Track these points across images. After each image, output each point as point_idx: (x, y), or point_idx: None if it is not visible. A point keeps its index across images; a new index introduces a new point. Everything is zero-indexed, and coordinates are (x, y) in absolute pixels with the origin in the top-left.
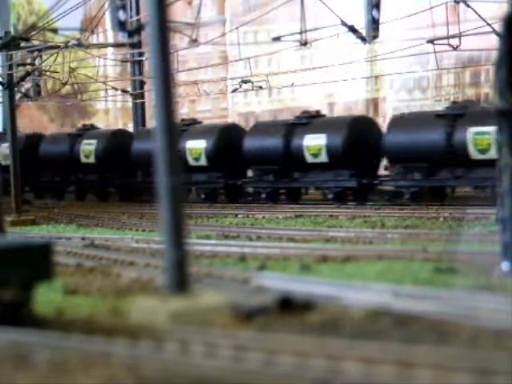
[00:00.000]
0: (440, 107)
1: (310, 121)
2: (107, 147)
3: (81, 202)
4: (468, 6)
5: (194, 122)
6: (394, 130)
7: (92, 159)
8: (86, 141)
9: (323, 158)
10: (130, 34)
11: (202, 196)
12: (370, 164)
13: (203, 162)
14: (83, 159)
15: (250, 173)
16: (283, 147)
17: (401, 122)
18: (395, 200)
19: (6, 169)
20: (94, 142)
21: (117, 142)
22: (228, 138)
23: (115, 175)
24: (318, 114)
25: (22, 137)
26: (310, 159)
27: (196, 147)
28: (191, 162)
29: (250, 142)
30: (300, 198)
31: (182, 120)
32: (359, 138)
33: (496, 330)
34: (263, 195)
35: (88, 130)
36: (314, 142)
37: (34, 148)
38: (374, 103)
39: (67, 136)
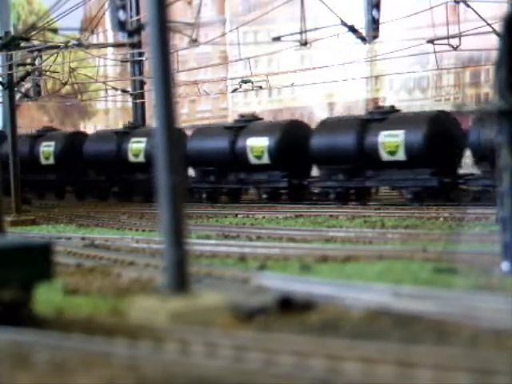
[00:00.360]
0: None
1: (385, 116)
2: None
3: (127, 203)
4: (468, 6)
5: (255, 118)
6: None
7: (141, 158)
8: (134, 139)
9: (401, 155)
10: (130, 34)
11: (264, 196)
12: (452, 162)
13: (266, 160)
14: (131, 158)
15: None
16: (356, 144)
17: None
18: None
19: (47, 169)
20: (143, 140)
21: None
22: (293, 134)
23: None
24: (393, 109)
25: (65, 135)
26: (385, 157)
27: (258, 145)
28: (252, 160)
29: (317, 139)
30: (369, 198)
31: (241, 116)
32: (441, 135)
33: (496, 330)
34: (332, 195)
35: (137, 128)
36: (390, 139)
37: (76, 147)
38: (374, 103)
39: (114, 134)
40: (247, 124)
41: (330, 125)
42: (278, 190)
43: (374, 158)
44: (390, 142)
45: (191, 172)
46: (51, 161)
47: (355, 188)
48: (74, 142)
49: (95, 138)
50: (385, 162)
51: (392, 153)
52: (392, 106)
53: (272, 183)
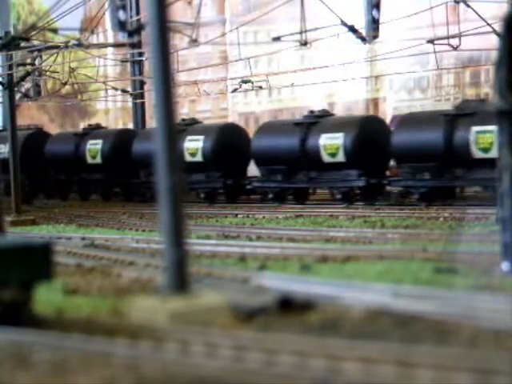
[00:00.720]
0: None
1: (475, 110)
2: (216, 144)
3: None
4: (468, 5)
5: (327, 113)
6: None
7: (199, 157)
8: (190, 137)
9: (494, 152)
10: (130, 34)
11: (338, 196)
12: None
13: (341, 158)
14: (188, 157)
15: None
16: (443, 141)
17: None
18: None
19: (94, 168)
20: (200, 138)
21: (227, 138)
22: (370, 131)
23: (225, 174)
24: (483, 102)
25: (113, 133)
26: (477, 154)
27: (332, 142)
28: (326, 158)
29: (399, 135)
30: (454, 197)
31: (311, 112)
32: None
33: (496, 330)
34: (416, 196)
35: (192, 125)
36: (481, 135)
37: (125, 145)
38: (374, 103)
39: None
40: (319, 120)
41: (414, 120)
42: (354, 190)
43: (465, 156)
44: (483, 138)
45: (255, 171)
46: (98, 160)
47: (442, 187)
48: (122, 140)
49: (146, 135)
50: (477, 159)
51: (486, 150)
52: (481, 99)
53: (347, 182)
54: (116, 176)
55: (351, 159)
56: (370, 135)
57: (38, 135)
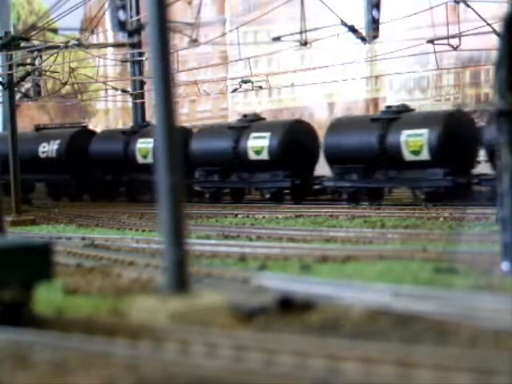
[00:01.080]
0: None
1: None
2: (283, 142)
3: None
4: (468, 5)
5: (406, 109)
6: None
7: (265, 155)
8: (255, 134)
9: (425, 155)
10: (130, 34)
11: (422, 197)
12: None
13: (425, 156)
14: (252, 156)
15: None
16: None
17: None
18: None
19: (145, 168)
20: (266, 135)
21: (294, 135)
22: (456, 126)
23: (294, 173)
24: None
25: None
26: (408, 157)
27: (415, 139)
28: (407, 156)
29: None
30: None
31: (388, 107)
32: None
33: (496, 330)
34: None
35: (256, 121)
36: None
37: (181, 144)
38: (374, 103)
39: (229, 129)
40: (399, 116)
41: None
42: (438, 189)
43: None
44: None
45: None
46: (150, 159)
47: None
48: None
49: (205, 133)
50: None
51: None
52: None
53: (431, 182)
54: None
55: (437, 157)
56: (456, 131)
57: (83, 133)
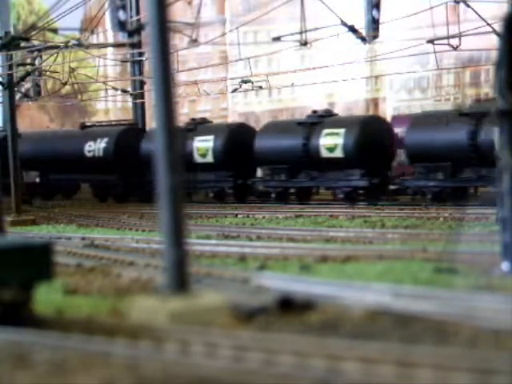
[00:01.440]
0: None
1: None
2: (358, 139)
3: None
4: (468, 5)
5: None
6: None
7: (338, 153)
8: (327, 130)
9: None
10: (130, 34)
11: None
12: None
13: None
14: (325, 153)
15: None
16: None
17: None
18: None
19: (204, 168)
20: (341, 131)
21: (371, 131)
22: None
23: (369, 172)
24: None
25: (228, 128)
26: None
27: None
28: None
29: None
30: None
31: (478, 100)
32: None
33: (496, 330)
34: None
35: (328, 117)
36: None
37: (243, 142)
38: (374, 103)
39: (298, 125)
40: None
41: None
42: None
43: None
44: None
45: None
46: (209, 159)
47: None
48: (239, 136)
49: (271, 130)
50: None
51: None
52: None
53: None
54: (233, 176)
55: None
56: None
57: (132, 131)
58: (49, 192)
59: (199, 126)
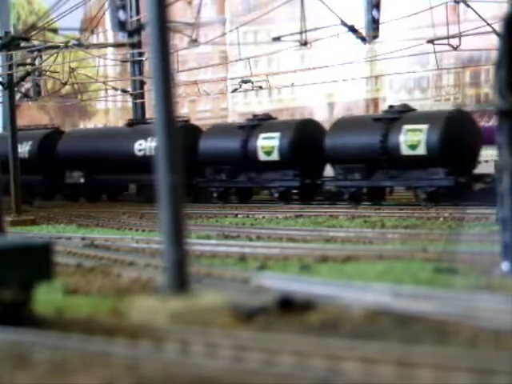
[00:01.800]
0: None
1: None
2: (443, 136)
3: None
4: (468, 5)
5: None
6: None
7: (421, 151)
8: (407, 126)
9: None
10: (130, 34)
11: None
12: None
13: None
14: (405, 151)
15: None
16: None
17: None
18: None
19: (268, 166)
20: (423, 128)
21: (456, 127)
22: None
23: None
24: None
25: (294, 124)
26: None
27: None
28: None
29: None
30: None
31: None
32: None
33: (496, 330)
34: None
35: (408, 112)
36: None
37: (312, 139)
38: (374, 103)
39: (375, 121)
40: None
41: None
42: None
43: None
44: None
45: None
46: (275, 157)
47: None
48: (306, 133)
49: (345, 126)
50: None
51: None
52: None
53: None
54: (300, 175)
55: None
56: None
57: (187, 129)
58: (94, 193)
59: (263, 122)
